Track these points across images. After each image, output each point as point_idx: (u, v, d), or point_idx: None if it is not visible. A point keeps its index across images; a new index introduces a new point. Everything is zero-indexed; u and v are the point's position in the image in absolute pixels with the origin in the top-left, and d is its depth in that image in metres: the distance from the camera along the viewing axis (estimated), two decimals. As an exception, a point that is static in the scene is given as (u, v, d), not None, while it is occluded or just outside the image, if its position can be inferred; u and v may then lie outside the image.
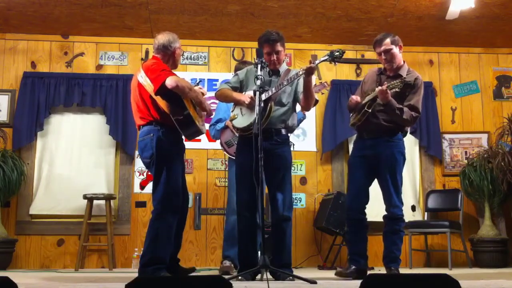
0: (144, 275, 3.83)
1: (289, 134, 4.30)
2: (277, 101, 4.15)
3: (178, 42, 4.28)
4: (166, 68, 4.06)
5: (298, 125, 5.52)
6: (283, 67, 4.31)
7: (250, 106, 4.06)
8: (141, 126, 4.13)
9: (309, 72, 4.00)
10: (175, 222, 4.04)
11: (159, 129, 4.03)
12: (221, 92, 4.31)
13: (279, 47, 4.19)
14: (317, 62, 4.11)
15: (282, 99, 4.19)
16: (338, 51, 4.04)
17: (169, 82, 3.89)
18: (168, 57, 4.22)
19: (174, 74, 4.01)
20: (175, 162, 4.10)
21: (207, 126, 5.16)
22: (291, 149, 4.32)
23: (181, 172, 4.21)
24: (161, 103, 4.00)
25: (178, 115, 3.98)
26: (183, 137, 4.19)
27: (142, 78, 4.08)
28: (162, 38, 4.22)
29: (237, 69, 5.16)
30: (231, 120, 4.31)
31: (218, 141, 5.37)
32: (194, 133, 4.15)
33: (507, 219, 6.60)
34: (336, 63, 4.21)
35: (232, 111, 4.29)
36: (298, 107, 4.39)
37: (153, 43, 4.26)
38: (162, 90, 3.93)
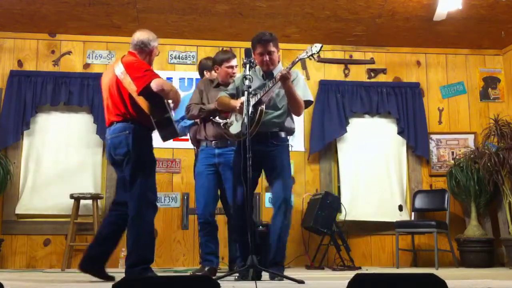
0: (132, 277, 3.82)
1: (288, 137, 4.23)
2: (271, 105, 4.09)
3: (157, 42, 4.23)
4: (149, 68, 4.03)
5: None
6: (277, 69, 4.18)
7: (242, 111, 4.01)
8: (115, 122, 4.05)
9: (282, 79, 3.90)
10: (154, 218, 4.03)
11: (134, 127, 3.99)
12: (219, 100, 4.31)
13: (271, 48, 4.11)
14: (296, 60, 3.98)
15: (276, 102, 4.12)
16: (315, 46, 3.91)
17: (155, 85, 3.85)
18: (145, 55, 4.16)
19: (158, 76, 3.98)
20: (150, 160, 4.10)
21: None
22: (289, 149, 4.27)
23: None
24: (142, 103, 3.95)
25: (158, 117, 3.95)
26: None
27: (121, 74, 4.00)
28: (142, 35, 4.18)
29: (202, 65, 5.08)
30: (227, 127, 4.28)
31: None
32: (170, 135, 4.12)
33: (493, 219, 6.65)
34: (317, 59, 4.13)
35: (229, 119, 4.27)
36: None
37: (131, 39, 4.20)
38: (145, 91, 3.90)
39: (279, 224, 4.07)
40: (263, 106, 3.98)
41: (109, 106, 4.10)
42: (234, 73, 4.71)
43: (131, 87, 3.94)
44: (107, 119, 4.15)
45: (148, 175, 4.03)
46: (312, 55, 3.92)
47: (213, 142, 4.64)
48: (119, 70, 4.03)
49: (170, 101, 4.01)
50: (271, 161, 4.09)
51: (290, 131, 4.26)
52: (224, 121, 4.34)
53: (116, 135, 4.02)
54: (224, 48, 7.00)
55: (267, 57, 4.11)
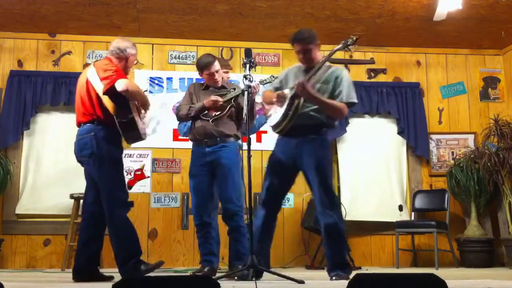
0: (127, 274, 3.85)
1: (326, 130, 4.16)
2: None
3: (135, 50, 4.29)
4: (118, 69, 4.06)
5: (258, 128, 5.53)
6: (320, 65, 4.17)
7: (279, 103, 4.06)
8: (82, 124, 4.10)
9: (298, 90, 3.95)
10: (126, 215, 4.07)
11: (100, 129, 4.02)
12: (263, 95, 4.35)
13: (307, 46, 4.12)
14: (332, 51, 4.15)
15: None
16: (351, 38, 4.06)
17: (120, 85, 3.90)
18: (121, 61, 4.19)
19: (125, 77, 4.02)
20: (117, 160, 4.13)
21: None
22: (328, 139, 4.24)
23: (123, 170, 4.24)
24: (108, 103, 3.99)
25: (122, 118, 3.98)
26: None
27: (92, 75, 4.06)
28: (120, 42, 4.24)
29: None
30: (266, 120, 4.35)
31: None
32: (135, 137, 4.14)
33: (493, 219, 6.65)
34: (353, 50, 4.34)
35: (269, 112, 4.28)
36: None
37: (110, 45, 4.26)
38: (111, 91, 3.93)
39: (325, 226, 4.10)
40: (301, 100, 3.98)
41: (79, 107, 4.15)
42: (216, 78, 4.70)
43: (99, 88, 3.99)
44: (76, 120, 4.19)
45: (116, 176, 4.08)
46: (347, 45, 4.06)
47: (203, 141, 4.63)
48: (91, 71, 4.09)
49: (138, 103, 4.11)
50: (307, 156, 4.05)
51: (331, 125, 4.18)
52: (213, 117, 4.50)
53: (82, 136, 4.08)
54: (224, 48, 7.03)
55: (301, 56, 4.15)
